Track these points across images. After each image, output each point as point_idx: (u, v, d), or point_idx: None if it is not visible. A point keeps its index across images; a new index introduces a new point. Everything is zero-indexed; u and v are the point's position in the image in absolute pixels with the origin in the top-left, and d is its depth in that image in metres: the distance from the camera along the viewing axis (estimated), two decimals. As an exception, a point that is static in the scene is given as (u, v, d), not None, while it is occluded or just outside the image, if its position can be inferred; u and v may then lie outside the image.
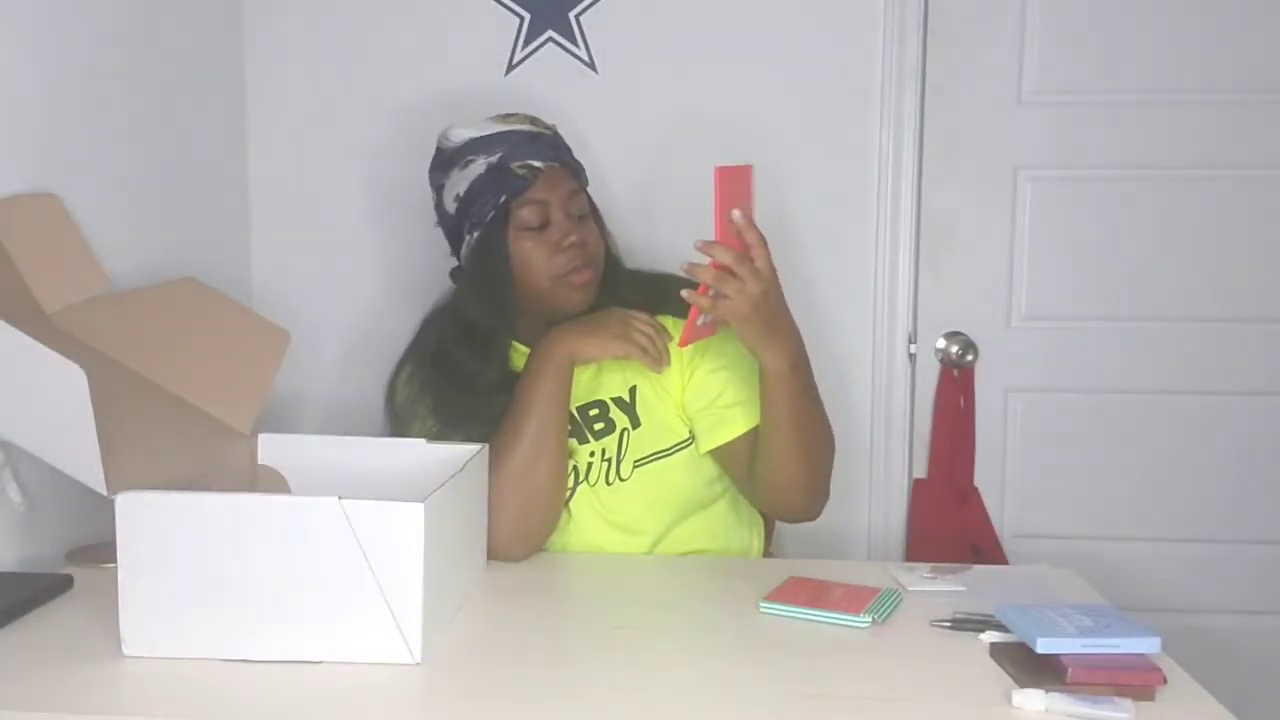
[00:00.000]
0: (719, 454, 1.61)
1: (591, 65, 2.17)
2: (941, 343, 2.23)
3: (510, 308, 1.64)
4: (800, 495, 1.55)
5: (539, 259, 1.61)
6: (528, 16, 2.16)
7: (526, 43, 2.17)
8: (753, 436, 1.56)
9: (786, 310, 1.44)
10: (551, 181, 1.63)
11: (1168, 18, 2.14)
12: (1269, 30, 2.13)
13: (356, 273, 2.24)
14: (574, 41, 2.17)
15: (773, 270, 1.39)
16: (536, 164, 1.62)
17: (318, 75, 2.20)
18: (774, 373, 1.45)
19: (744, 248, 1.37)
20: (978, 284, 2.22)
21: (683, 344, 1.45)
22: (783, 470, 1.51)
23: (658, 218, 2.12)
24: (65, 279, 1.48)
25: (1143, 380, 2.22)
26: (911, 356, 2.22)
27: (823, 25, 2.15)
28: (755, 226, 1.38)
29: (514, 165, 1.61)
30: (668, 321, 1.62)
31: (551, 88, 2.15)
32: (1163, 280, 2.19)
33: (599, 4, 2.15)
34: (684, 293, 1.38)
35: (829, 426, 1.55)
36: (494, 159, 1.62)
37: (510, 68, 2.18)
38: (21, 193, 1.49)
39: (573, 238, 1.61)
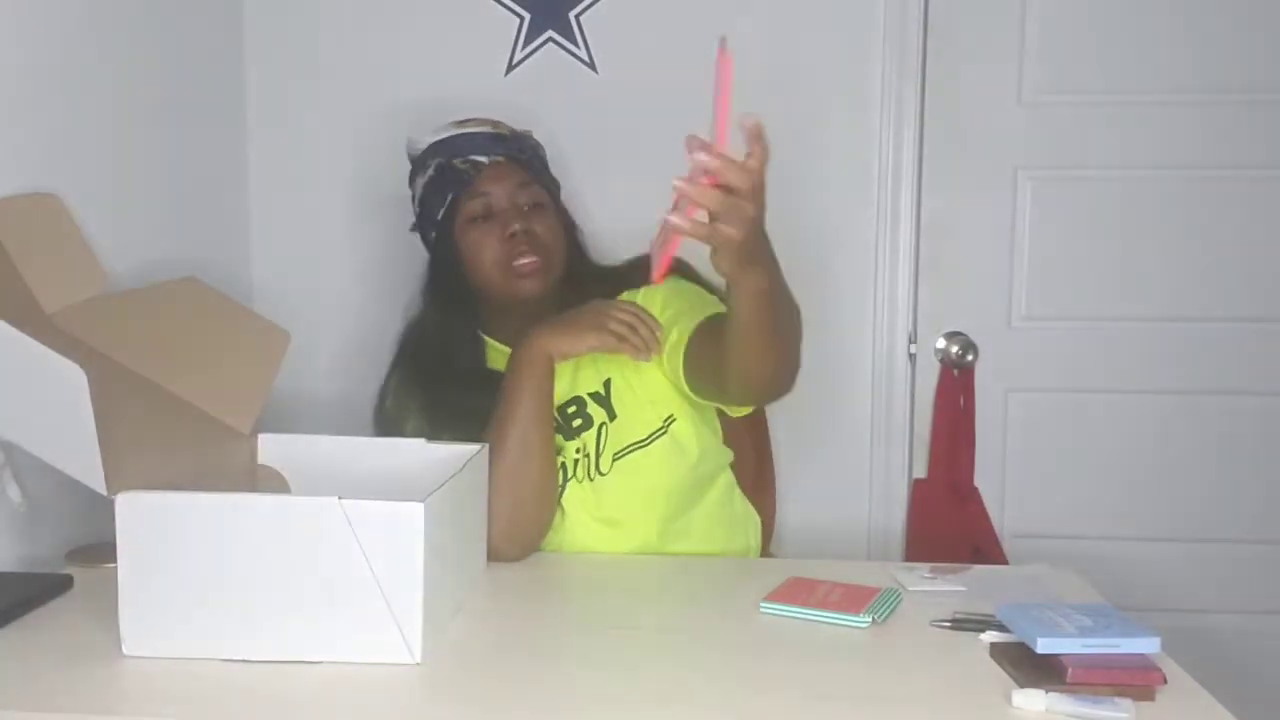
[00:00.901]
0: (690, 368, 1.54)
1: (591, 65, 2.17)
2: (941, 343, 2.23)
3: (468, 300, 1.69)
4: (774, 379, 1.45)
5: (486, 249, 1.64)
6: (528, 16, 2.17)
7: (526, 43, 2.17)
8: (701, 335, 1.50)
9: (764, 228, 1.20)
10: (496, 174, 1.66)
11: (1168, 18, 2.14)
12: (1268, 30, 2.14)
13: (357, 272, 2.24)
14: (574, 41, 2.17)
15: (764, 186, 1.14)
16: (480, 158, 1.67)
17: (318, 75, 2.20)
18: (753, 292, 1.26)
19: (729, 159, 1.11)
20: (978, 284, 2.22)
21: (658, 280, 1.15)
22: (756, 363, 1.39)
23: (656, 218, 2.12)
24: (65, 279, 1.47)
25: (1143, 380, 2.22)
26: (911, 356, 2.22)
27: (823, 25, 2.15)
28: (765, 138, 1.11)
29: (456, 162, 1.67)
30: (637, 296, 1.62)
31: (551, 88, 2.15)
32: (1163, 280, 2.20)
33: (599, 4, 2.15)
34: (672, 219, 1.10)
35: (796, 305, 1.40)
36: (442, 160, 1.68)
37: (510, 68, 2.18)
38: (21, 193, 1.49)
39: (515, 225, 1.63)
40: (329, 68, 2.20)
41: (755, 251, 1.19)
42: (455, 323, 1.70)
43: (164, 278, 1.63)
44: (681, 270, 1.62)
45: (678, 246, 1.13)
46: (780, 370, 1.45)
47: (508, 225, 1.63)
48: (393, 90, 2.19)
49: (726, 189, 1.10)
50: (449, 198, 1.66)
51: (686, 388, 1.58)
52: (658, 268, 1.14)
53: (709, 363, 1.49)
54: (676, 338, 1.56)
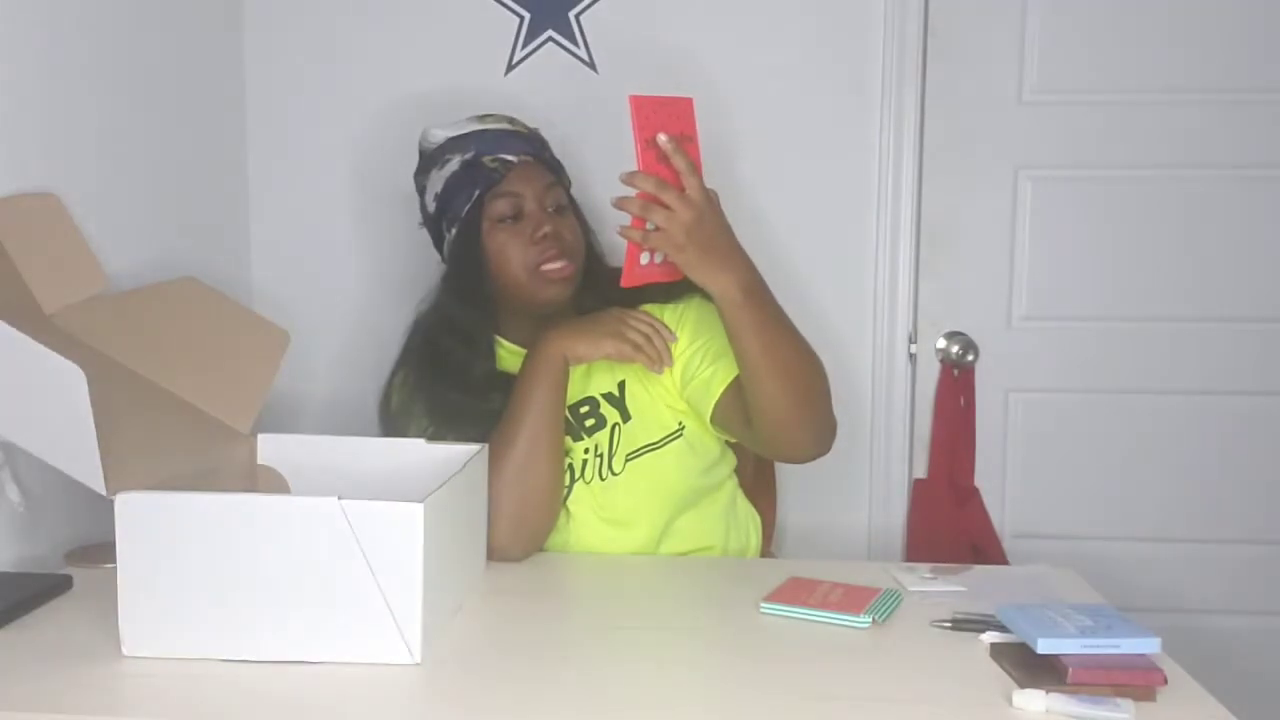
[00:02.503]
0: (721, 420, 1.58)
1: (591, 65, 2.17)
2: (942, 343, 2.23)
3: (489, 300, 1.67)
4: (799, 429, 1.50)
5: (514, 250, 1.62)
6: (528, 16, 2.16)
7: (526, 43, 2.17)
8: (739, 387, 1.52)
9: (728, 236, 1.41)
10: (525, 175, 1.64)
11: (1167, 18, 2.14)
12: (1268, 30, 2.13)
13: (356, 273, 2.24)
14: (574, 41, 2.17)
15: (706, 196, 1.37)
16: (509, 157, 1.64)
17: (317, 75, 2.20)
18: (726, 301, 1.41)
19: (674, 176, 1.36)
20: (978, 284, 2.22)
21: (624, 284, 1.42)
22: (771, 405, 1.47)
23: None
24: (65, 279, 1.48)
25: (1143, 380, 2.22)
26: (911, 356, 2.22)
27: (823, 25, 2.15)
28: (682, 152, 1.35)
29: (486, 159, 1.64)
30: (651, 310, 1.62)
31: (551, 88, 2.15)
32: (1163, 280, 2.19)
33: (599, 4, 2.15)
34: (618, 229, 1.38)
35: (809, 350, 1.50)
36: (468, 155, 1.65)
37: (510, 67, 2.18)
38: (21, 192, 1.49)
39: (546, 229, 1.62)
40: (328, 68, 2.20)
41: (710, 253, 1.38)
42: (470, 322, 1.66)
43: (163, 278, 1.63)
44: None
45: (637, 252, 1.39)
46: (802, 412, 1.48)
47: (538, 228, 1.62)
48: (392, 90, 2.18)
49: (652, 199, 1.35)
50: (475, 194, 1.63)
51: (715, 431, 1.61)
52: (623, 276, 1.41)
53: (739, 417, 1.54)
54: (708, 378, 1.57)
